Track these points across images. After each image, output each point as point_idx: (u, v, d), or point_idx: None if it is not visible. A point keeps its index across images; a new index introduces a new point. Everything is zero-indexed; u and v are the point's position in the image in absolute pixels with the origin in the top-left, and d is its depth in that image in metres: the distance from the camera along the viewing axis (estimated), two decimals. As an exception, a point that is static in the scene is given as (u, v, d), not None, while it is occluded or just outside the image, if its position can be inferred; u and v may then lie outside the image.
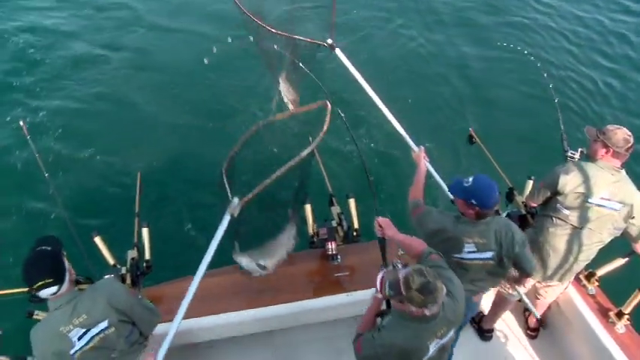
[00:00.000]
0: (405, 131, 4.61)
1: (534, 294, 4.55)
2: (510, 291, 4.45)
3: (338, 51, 4.44)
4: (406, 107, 8.70)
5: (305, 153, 3.78)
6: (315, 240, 4.57)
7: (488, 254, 3.49)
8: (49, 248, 3.02)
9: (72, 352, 3.00)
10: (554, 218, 4.05)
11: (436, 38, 10.49)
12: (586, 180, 3.87)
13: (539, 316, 4.57)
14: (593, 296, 4.50)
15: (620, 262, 4.41)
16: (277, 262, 4.26)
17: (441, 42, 10.41)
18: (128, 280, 4.05)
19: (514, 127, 8.42)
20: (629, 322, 4.28)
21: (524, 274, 3.76)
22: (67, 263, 3.08)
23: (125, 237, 4.40)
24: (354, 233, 4.55)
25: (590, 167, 3.93)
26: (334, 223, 4.58)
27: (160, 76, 8.96)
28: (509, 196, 4.65)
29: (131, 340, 3.25)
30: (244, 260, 4.18)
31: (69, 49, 9.52)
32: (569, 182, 3.92)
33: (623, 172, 3.90)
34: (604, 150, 3.88)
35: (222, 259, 4.91)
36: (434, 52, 10.11)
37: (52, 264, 2.97)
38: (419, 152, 4.30)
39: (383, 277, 2.85)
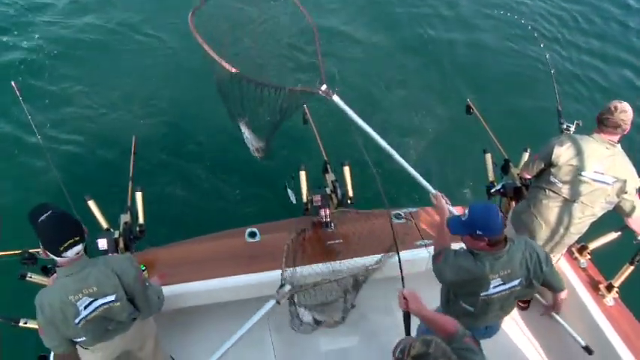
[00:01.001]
0: (421, 175, 4.35)
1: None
2: None
3: (336, 97, 3.77)
4: (403, 77, 8.67)
5: None
6: (308, 207, 4.57)
7: (516, 282, 3.28)
8: (62, 211, 3.00)
9: (76, 320, 3.01)
10: (546, 190, 4.04)
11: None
12: (580, 153, 3.84)
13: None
14: (584, 269, 4.52)
15: (612, 236, 4.43)
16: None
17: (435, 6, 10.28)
18: (121, 244, 4.05)
19: (511, 98, 8.41)
20: (617, 295, 4.32)
21: (555, 291, 3.69)
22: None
23: (119, 201, 4.39)
24: (349, 201, 4.54)
25: (585, 140, 3.90)
26: (328, 191, 4.57)
27: (158, 41, 8.84)
28: (505, 168, 4.65)
29: (132, 317, 3.28)
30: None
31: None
32: (563, 154, 3.89)
33: (619, 146, 3.88)
34: (601, 124, 3.85)
35: (215, 225, 4.94)
36: (429, 21, 10.02)
37: (76, 223, 2.97)
38: (437, 195, 4.02)
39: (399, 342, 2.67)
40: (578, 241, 4.55)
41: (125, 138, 5.23)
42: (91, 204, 4.11)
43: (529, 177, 4.29)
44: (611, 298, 4.28)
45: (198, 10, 3.52)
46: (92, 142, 7.09)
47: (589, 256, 4.55)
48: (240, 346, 4.48)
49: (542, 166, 4.05)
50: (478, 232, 3.10)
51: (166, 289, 4.06)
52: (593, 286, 4.39)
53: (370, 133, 3.97)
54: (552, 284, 3.54)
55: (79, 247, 2.93)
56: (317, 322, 4.16)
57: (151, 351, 3.71)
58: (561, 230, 4.07)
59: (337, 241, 4.50)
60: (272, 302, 3.43)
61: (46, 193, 5.61)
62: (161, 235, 4.92)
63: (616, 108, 3.77)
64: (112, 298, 3.07)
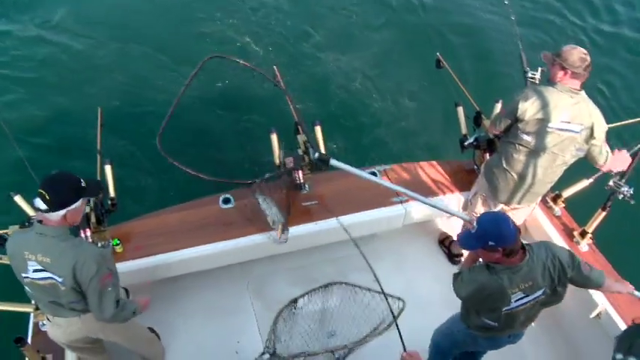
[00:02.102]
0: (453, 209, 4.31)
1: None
2: (474, 216, 4.49)
3: (334, 161, 3.62)
4: (368, 36, 8.55)
5: None
6: (281, 170, 4.51)
7: (539, 292, 3.09)
8: (73, 181, 3.00)
9: (23, 275, 3.02)
10: (516, 145, 3.99)
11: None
12: (545, 105, 3.79)
13: None
14: (558, 217, 4.57)
15: (584, 183, 4.46)
16: None
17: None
18: (93, 219, 3.96)
19: (479, 49, 8.35)
20: (592, 241, 4.39)
21: (597, 288, 3.46)
22: (80, 207, 3.05)
23: (88, 175, 4.27)
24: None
25: (548, 92, 3.85)
26: (300, 152, 4.51)
27: (120, 9, 8.55)
28: (477, 120, 4.62)
29: (73, 307, 3.17)
30: None
31: None
32: (529, 109, 3.83)
33: (583, 93, 3.83)
34: (562, 72, 3.78)
35: (188, 193, 4.87)
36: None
37: (61, 191, 2.93)
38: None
39: None
40: (552, 190, 4.56)
41: (90, 110, 5.07)
42: None
43: (497, 133, 4.26)
44: (585, 244, 4.35)
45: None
46: (55, 116, 6.85)
47: (563, 205, 4.60)
48: (221, 315, 4.49)
49: (509, 122, 4.01)
50: (490, 243, 2.90)
51: (143, 262, 4.06)
52: (568, 233, 4.44)
53: (376, 181, 3.95)
54: (588, 285, 3.33)
55: (43, 206, 2.89)
56: None
57: (121, 340, 3.68)
58: (534, 181, 4.07)
59: (313, 203, 4.47)
60: None
61: (8, 170, 5.46)
62: (134, 208, 4.85)
63: (580, 57, 3.71)
64: (58, 279, 3.00)
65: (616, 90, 8.08)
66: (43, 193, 2.88)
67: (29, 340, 3.64)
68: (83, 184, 3.02)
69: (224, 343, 4.25)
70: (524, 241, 3.04)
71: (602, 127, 3.86)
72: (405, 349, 3.02)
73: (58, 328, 3.33)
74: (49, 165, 3.94)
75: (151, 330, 4.17)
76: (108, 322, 3.19)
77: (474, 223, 3.00)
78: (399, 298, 3.72)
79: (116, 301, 3.11)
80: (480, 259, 3.16)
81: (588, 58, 3.73)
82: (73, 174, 3.05)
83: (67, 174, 3.03)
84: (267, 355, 3.33)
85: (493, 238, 2.89)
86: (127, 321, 3.32)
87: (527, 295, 3.05)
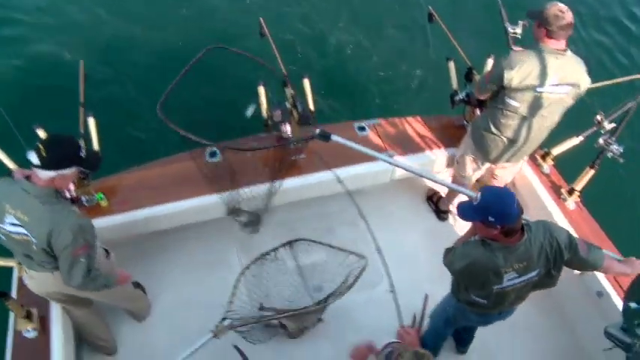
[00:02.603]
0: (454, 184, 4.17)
1: (490, 174, 4.58)
2: (462, 173, 4.48)
3: (335, 137, 3.57)
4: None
5: None
6: (269, 123, 4.44)
7: (533, 273, 3.01)
8: (74, 147, 2.95)
9: (1, 226, 2.98)
10: (504, 110, 3.91)
11: None
12: (531, 71, 3.69)
13: None
14: (547, 175, 4.56)
15: (574, 141, 4.44)
16: None
17: None
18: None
19: (472, 3, 8.18)
20: (579, 199, 4.38)
21: (595, 270, 3.30)
22: (70, 175, 3.00)
23: (70, 129, 4.18)
24: (310, 115, 4.42)
25: (533, 55, 3.72)
26: (288, 105, 4.43)
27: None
28: (468, 76, 4.55)
29: (44, 265, 3.15)
30: None
31: None
32: (515, 77, 3.72)
33: (569, 52, 3.72)
34: (543, 32, 3.68)
35: (174, 147, 4.79)
36: None
37: (58, 152, 2.88)
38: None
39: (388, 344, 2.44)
40: (541, 147, 4.56)
41: (71, 62, 4.94)
42: (41, 133, 3.91)
43: (483, 99, 4.19)
44: (572, 202, 4.35)
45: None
46: (35, 69, 6.67)
47: (552, 162, 4.59)
48: (209, 268, 4.48)
49: (495, 88, 3.93)
50: (490, 218, 2.78)
51: (128, 215, 4.03)
52: (556, 190, 4.44)
53: (379, 157, 3.81)
54: (585, 267, 3.25)
55: (35, 160, 2.83)
56: (282, 326, 4.11)
57: (96, 298, 3.66)
58: (524, 143, 4.03)
59: (301, 157, 4.42)
60: (209, 336, 3.24)
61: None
62: (119, 162, 4.76)
63: (556, 14, 3.59)
64: (33, 239, 2.96)
65: (610, 47, 8.01)
66: (41, 148, 2.83)
67: (14, 295, 3.63)
68: (82, 155, 2.96)
69: (211, 297, 4.24)
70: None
71: (587, 81, 3.79)
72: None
73: (33, 280, 3.33)
74: (29, 118, 3.82)
75: (137, 284, 4.16)
76: (76, 289, 3.16)
77: (477, 195, 2.88)
78: (362, 256, 3.74)
79: (87, 270, 3.06)
80: (476, 235, 3.05)
81: (567, 15, 3.60)
82: (77, 142, 3.01)
83: (72, 139, 3.00)
84: (228, 321, 3.30)
85: (494, 214, 2.78)
86: (97, 290, 3.28)
87: (520, 276, 2.98)
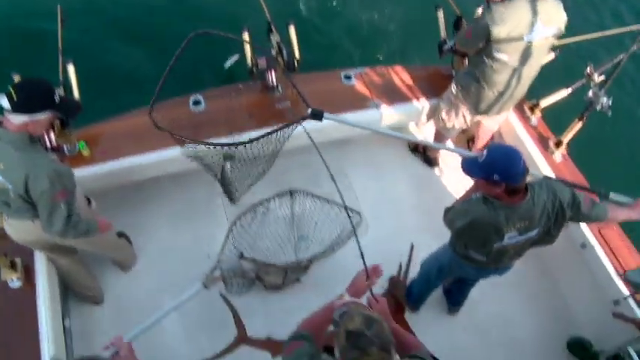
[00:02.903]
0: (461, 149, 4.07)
1: (476, 124, 4.56)
2: (447, 125, 4.44)
3: (327, 115, 3.42)
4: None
5: None
6: (254, 71, 4.35)
7: (533, 232, 2.99)
8: (46, 90, 2.87)
9: None
10: (493, 64, 3.85)
11: None
12: (518, 21, 3.61)
13: None
14: (534, 127, 4.54)
15: (563, 93, 4.40)
16: None
17: None
18: (56, 121, 3.78)
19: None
20: (566, 152, 4.38)
21: (600, 222, 3.27)
22: (44, 120, 2.90)
23: (50, 75, 4.05)
24: (295, 63, 4.33)
25: (516, 4, 3.63)
26: (273, 52, 4.33)
27: None
28: (457, 25, 4.47)
29: (21, 212, 3.09)
30: None
31: None
32: (501, 31, 3.64)
33: None
34: None
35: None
36: None
37: (29, 95, 2.80)
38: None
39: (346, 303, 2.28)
40: (529, 99, 4.54)
41: (49, 7, 4.73)
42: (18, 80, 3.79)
43: (468, 54, 4.13)
44: (559, 154, 4.35)
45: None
46: (12, 13, 6.40)
47: (540, 114, 4.55)
48: (194, 218, 4.45)
49: (481, 45, 3.84)
50: (495, 176, 2.73)
51: (111, 165, 3.97)
52: (543, 142, 4.43)
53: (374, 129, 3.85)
54: (588, 221, 3.26)
55: (5, 104, 2.76)
56: (259, 279, 4.13)
57: (79, 246, 3.64)
58: (512, 93, 4.00)
59: (285, 105, 4.35)
60: (199, 285, 3.21)
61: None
62: (100, 109, 4.66)
63: None
64: (9, 185, 2.90)
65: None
66: (12, 92, 2.75)
67: None
68: (57, 99, 2.88)
69: (196, 247, 4.25)
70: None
71: (565, 18, 3.74)
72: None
73: (12, 228, 3.29)
74: (7, 65, 3.71)
75: (122, 234, 4.14)
76: (57, 236, 3.11)
77: (483, 152, 2.83)
78: (357, 212, 3.71)
79: (67, 217, 3.01)
80: (477, 193, 2.99)
81: None
82: (49, 85, 2.91)
83: (45, 82, 2.90)
84: (218, 272, 3.34)
85: (499, 172, 2.73)
86: (78, 237, 3.23)
87: (521, 235, 2.96)
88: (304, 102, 3.45)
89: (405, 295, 4.15)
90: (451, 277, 3.87)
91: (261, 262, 3.92)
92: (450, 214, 3.07)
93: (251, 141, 3.23)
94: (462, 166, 2.95)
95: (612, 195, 3.40)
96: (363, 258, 2.64)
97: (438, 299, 4.30)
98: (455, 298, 4.22)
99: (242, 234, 3.98)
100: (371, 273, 2.55)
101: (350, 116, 4.36)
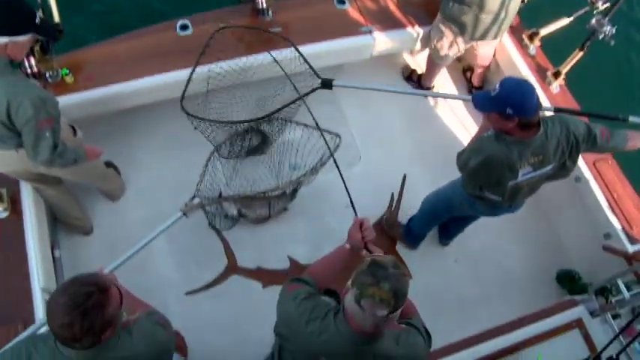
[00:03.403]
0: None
1: (472, 51, 4.47)
2: (441, 53, 4.33)
3: (337, 82, 3.36)
4: None
5: None
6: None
7: (548, 167, 2.93)
8: (27, 12, 2.73)
9: None
10: None
11: None
12: None
13: None
14: (533, 57, 4.41)
15: (564, 21, 4.24)
16: None
17: None
18: (36, 47, 3.61)
19: None
20: (564, 82, 4.28)
21: (622, 149, 3.20)
22: (25, 43, 2.78)
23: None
24: None
25: None
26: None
27: None
28: None
29: (5, 141, 2.98)
30: None
31: None
32: None
33: None
34: None
35: (143, 19, 4.50)
36: None
37: (8, 15, 2.65)
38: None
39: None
40: (528, 27, 4.42)
41: None
42: None
43: None
44: (557, 85, 4.25)
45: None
46: None
47: (539, 43, 4.41)
48: (182, 147, 4.37)
49: None
50: (508, 110, 2.66)
51: (95, 92, 3.83)
52: (541, 73, 4.32)
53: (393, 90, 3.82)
54: (605, 152, 3.25)
55: None
56: (242, 215, 4.07)
57: (66, 176, 3.56)
58: (505, 15, 3.89)
59: (276, 30, 4.19)
60: (179, 214, 3.09)
61: None
62: (84, 35, 4.48)
63: None
64: None
65: None
66: None
67: None
68: (37, 21, 2.73)
69: (186, 175, 4.17)
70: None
71: None
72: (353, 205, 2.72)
73: None
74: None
75: (110, 164, 4.06)
76: (43, 165, 3.03)
77: (496, 85, 2.73)
78: (336, 135, 3.64)
79: (54, 145, 2.91)
80: (489, 131, 2.91)
81: None
82: (28, 5, 2.76)
83: (25, 2, 2.74)
84: (197, 199, 3.25)
85: (513, 106, 2.66)
86: (66, 167, 3.15)
87: (535, 170, 2.91)
88: (315, 73, 3.45)
89: (404, 234, 4.16)
90: (460, 215, 3.77)
91: (242, 196, 3.88)
92: (464, 156, 2.99)
93: (269, 115, 3.37)
94: (474, 102, 2.88)
95: (632, 118, 3.26)
96: (351, 203, 2.67)
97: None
98: (451, 233, 4.21)
99: (225, 165, 3.93)
100: (357, 230, 2.42)
101: (343, 42, 4.23)
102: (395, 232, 4.16)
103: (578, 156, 3.01)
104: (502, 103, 2.69)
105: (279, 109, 3.43)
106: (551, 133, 2.84)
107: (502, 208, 3.36)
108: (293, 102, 3.41)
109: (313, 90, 3.38)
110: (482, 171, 2.92)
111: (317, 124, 3.10)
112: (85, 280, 1.89)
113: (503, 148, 2.80)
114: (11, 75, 2.77)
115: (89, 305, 1.81)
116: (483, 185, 3.03)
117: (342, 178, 2.74)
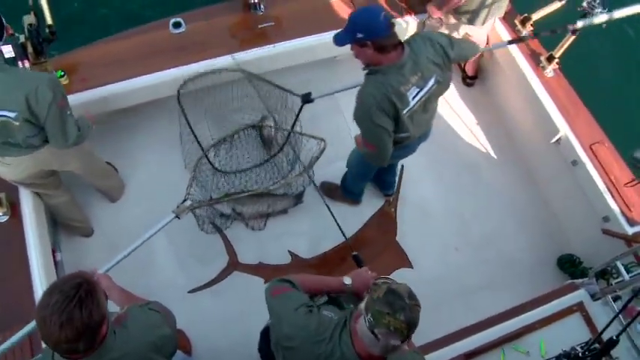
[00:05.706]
0: None
1: (465, 37, 4.42)
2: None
3: (314, 95, 3.56)
4: None
5: None
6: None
7: (431, 81, 2.95)
8: None
9: None
10: None
11: None
12: None
13: None
14: (526, 42, 4.40)
15: (556, 5, 4.22)
16: None
17: None
18: (30, 49, 3.62)
19: None
20: (557, 67, 4.27)
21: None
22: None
23: (18, 2, 3.84)
24: None
25: None
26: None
27: None
28: None
29: (29, 142, 3.02)
30: None
31: None
32: None
33: None
34: None
35: (135, 19, 4.49)
36: None
37: None
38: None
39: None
40: (520, 12, 4.41)
41: None
42: None
43: None
44: (551, 70, 4.23)
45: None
46: None
47: (531, 28, 4.39)
48: (179, 144, 4.37)
49: None
50: (359, 35, 2.74)
51: (92, 93, 3.85)
52: (534, 58, 4.31)
53: None
54: (467, 57, 3.49)
55: None
56: (237, 214, 4.09)
57: (79, 169, 3.60)
58: None
59: (268, 24, 4.20)
60: (172, 216, 3.12)
61: None
62: (77, 36, 4.46)
63: None
64: (9, 114, 2.80)
65: None
66: None
67: None
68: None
69: (185, 174, 4.19)
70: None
71: None
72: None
73: (7, 166, 3.21)
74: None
75: (108, 164, 4.07)
76: (72, 146, 3.09)
77: None
78: (321, 139, 3.74)
79: (75, 123, 3.03)
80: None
81: None
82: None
83: None
84: (188, 202, 3.24)
85: (361, 29, 2.75)
86: (86, 139, 3.22)
87: (421, 88, 2.93)
88: (292, 93, 3.78)
89: (344, 194, 4.23)
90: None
91: (231, 195, 3.92)
92: (359, 112, 2.96)
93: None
94: (334, 40, 2.92)
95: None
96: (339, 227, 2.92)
97: (421, 214, 4.34)
98: (387, 183, 4.26)
99: (207, 173, 4.00)
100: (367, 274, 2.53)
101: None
102: (335, 194, 4.19)
103: (450, 64, 3.06)
104: (352, 30, 2.78)
105: (278, 151, 3.88)
106: (418, 49, 2.89)
107: (414, 143, 3.43)
108: (288, 135, 3.71)
109: (300, 111, 3.62)
110: (381, 112, 2.88)
111: (301, 132, 3.45)
112: (66, 278, 1.87)
113: (380, 79, 2.84)
114: (9, 68, 2.87)
115: (82, 294, 1.78)
116: (387, 127, 2.97)
117: (328, 207, 2.88)
